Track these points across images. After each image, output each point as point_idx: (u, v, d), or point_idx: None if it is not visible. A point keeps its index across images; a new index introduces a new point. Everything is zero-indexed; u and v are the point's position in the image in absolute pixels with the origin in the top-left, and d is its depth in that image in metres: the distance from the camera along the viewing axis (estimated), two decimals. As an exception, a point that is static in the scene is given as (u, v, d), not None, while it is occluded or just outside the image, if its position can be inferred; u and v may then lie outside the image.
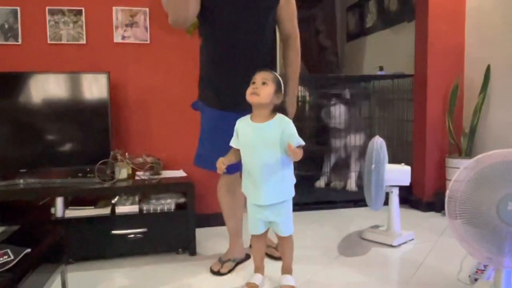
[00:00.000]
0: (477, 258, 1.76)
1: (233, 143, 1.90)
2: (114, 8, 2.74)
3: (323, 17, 4.85)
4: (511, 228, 1.63)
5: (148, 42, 2.82)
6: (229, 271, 2.19)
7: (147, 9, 2.79)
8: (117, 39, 2.76)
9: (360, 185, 3.65)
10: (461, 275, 2.11)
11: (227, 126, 1.94)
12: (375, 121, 4.12)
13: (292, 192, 1.92)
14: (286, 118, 1.84)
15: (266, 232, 2.01)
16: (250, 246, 2.15)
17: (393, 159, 2.69)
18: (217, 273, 2.17)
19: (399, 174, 2.60)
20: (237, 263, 2.27)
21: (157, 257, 2.40)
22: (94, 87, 2.54)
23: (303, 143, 1.80)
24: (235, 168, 2.01)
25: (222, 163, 1.82)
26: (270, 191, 1.84)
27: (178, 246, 2.46)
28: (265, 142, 1.80)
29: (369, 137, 3.22)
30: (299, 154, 1.77)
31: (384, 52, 4.25)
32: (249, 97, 1.80)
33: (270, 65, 2.05)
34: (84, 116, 2.53)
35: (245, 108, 1.86)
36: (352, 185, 3.77)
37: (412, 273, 2.18)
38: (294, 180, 1.93)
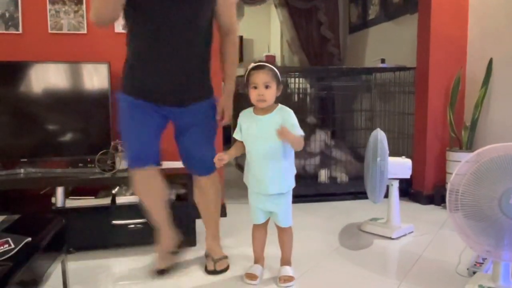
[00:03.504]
0: (477, 251, 1.77)
1: (236, 135, 1.94)
2: (115, -2, 2.73)
3: (326, 9, 4.82)
4: None
5: (149, 32, 2.80)
6: (171, 267, 2.12)
7: None
8: (118, 28, 2.75)
9: (351, 177, 3.66)
10: (460, 268, 2.11)
11: (144, 115, 1.90)
12: (376, 114, 4.11)
13: (293, 183, 1.95)
14: (286, 109, 1.87)
15: (267, 222, 2.03)
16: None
17: (393, 152, 2.68)
18: (161, 272, 2.07)
19: (400, 167, 2.60)
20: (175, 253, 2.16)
21: (157, 248, 2.41)
22: (95, 77, 2.54)
23: (303, 133, 1.83)
24: (152, 161, 1.99)
25: (220, 158, 1.83)
26: (275, 181, 1.87)
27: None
28: (267, 134, 1.83)
29: (370, 130, 3.21)
30: (297, 142, 1.80)
31: (386, 45, 4.23)
32: (257, 103, 1.84)
33: (207, 63, 2.00)
34: (84, 106, 2.53)
35: (168, 104, 1.90)
36: (343, 177, 3.73)
37: (411, 265, 2.19)
38: (294, 171, 1.96)
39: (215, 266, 2.10)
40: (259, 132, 1.86)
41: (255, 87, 1.83)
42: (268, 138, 1.83)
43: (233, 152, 1.97)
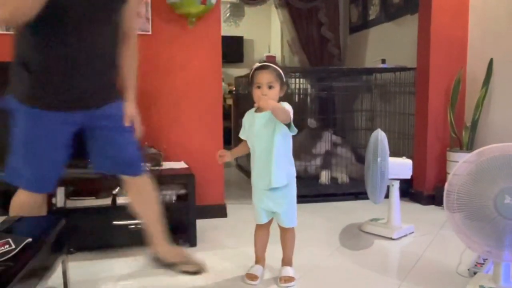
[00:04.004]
0: (476, 251, 1.77)
1: (242, 135, 2.00)
2: (115, -2, 2.73)
3: (326, 9, 4.82)
4: (508, 222, 1.64)
5: (150, 33, 2.81)
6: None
7: (149, 0, 2.78)
8: (119, 29, 2.75)
9: (353, 178, 3.66)
10: (461, 268, 2.11)
11: (47, 131, 1.67)
12: (377, 114, 4.11)
13: (294, 172, 1.97)
14: (284, 103, 1.88)
15: (270, 223, 2.04)
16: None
17: (394, 152, 2.69)
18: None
19: (400, 167, 2.60)
20: None
21: (158, 248, 2.41)
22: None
23: (288, 108, 1.83)
24: (48, 187, 1.80)
25: (221, 154, 1.88)
26: (277, 175, 1.89)
27: (178, 237, 2.45)
28: (265, 129, 1.88)
29: (371, 130, 3.21)
30: (281, 110, 1.78)
31: (387, 45, 4.23)
32: (260, 103, 1.86)
33: (116, 65, 1.86)
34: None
35: (75, 109, 1.71)
36: (344, 178, 3.74)
37: (412, 265, 2.19)
38: (293, 162, 1.97)
39: (191, 265, 2.07)
40: (259, 129, 1.90)
41: (259, 87, 1.86)
42: (266, 133, 1.87)
43: (236, 151, 2.04)
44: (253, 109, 1.97)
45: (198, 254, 2.34)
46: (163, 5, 2.77)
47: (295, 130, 1.86)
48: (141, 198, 2.04)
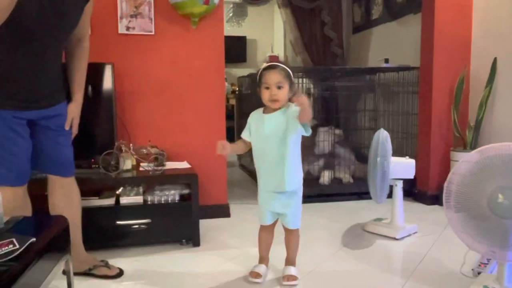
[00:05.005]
0: (477, 251, 1.77)
1: (244, 135, 1.97)
2: (118, -1, 2.74)
3: (329, 9, 4.81)
4: (503, 221, 1.63)
5: (153, 33, 2.81)
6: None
7: (152, 0, 2.78)
8: (122, 30, 2.76)
9: (356, 178, 3.65)
10: (464, 268, 2.11)
11: (11, 127, 1.76)
12: (380, 114, 4.10)
13: (300, 181, 1.95)
14: (292, 105, 1.85)
15: (274, 224, 2.03)
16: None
17: (397, 152, 2.68)
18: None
19: (404, 167, 2.60)
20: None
21: (161, 248, 2.41)
22: (99, 78, 2.54)
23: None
24: (26, 178, 1.87)
25: (223, 145, 1.85)
26: (290, 178, 1.87)
27: (182, 237, 2.47)
28: (276, 131, 1.85)
29: (374, 130, 3.21)
30: (309, 111, 1.75)
31: (390, 44, 4.22)
32: (270, 103, 1.84)
33: (61, 66, 1.94)
34: (88, 106, 2.52)
35: (41, 106, 1.83)
36: (347, 177, 3.73)
37: (415, 265, 2.19)
38: (301, 163, 1.95)
39: (110, 269, 2.10)
40: (269, 130, 1.86)
41: (267, 88, 1.83)
42: (276, 135, 1.84)
43: (235, 147, 1.99)
44: (260, 110, 1.94)
45: (201, 254, 2.35)
46: (166, 6, 2.78)
47: (310, 131, 1.84)
48: (66, 200, 2.04)
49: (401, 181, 2.63)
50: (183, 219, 2.44)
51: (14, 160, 1.78)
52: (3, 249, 1.20)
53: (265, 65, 1.88)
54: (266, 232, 2.04)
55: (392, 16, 4.16)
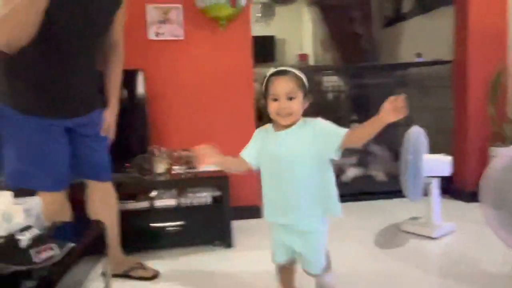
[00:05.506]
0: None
1: (244, 154, 1.61)
2: (147, 6, 2.79)
3: (358, 4, 4.74)
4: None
5: (182, 38, 2.85)
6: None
7: (180, 6, 2.82)
8: (151, 36, 2.81)
9: (390, 176, 3.57)
10: (505, 268, 2.04)
11: (55, 135, 1.83)
12: (413, 110, 4.00)
13: (338, 209, 1.54)
14: (313, 119, 1.52)
15: (292, 263, 1.65)
16: None
17: (432, 149, 2.61)
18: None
19: (439, 164, 2.53)
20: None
21: (195, 249, 2.45)
22: (131, 84, 2.60)
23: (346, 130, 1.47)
24: (65, 184, 1.90)
25: (208, 154, 1.52)
26: (305, 216, 1.50)
27: (214, 239, 2.49)
28: (292, 151, 1.48)
29: (407, 126, 3.13)
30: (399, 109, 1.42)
31: (422, 38, 4.12)
32: (279, 118, 1.48)
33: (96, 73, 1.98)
34: (122, 112, 2.59)
35: (77, 114, 1.87)
36: (381, 175, 3.66)
37: (453, 265, 2.13)
38: (335, 193, 1.54)
39: (147, 271, 2.15)
40: (283, 151, 1.49)
41: (275, 99, 1.46)
42: (295, 155, 1.47)
43: (228, 159, 1.60)
44: (269, 126, 1.57)
45: (234, 255, 2.37)
46: (194, 10, 2.81)
47: (339, 153, 1.46)
48: (104, 204, 2.09)
49: (437, 179, 2.57)
50: (216, 221, 2.46)
51: (53, 166, 1.84)
52: (44, 254, 1.25)
53: (272, 70, 1.50)
54: (285, 274, 1.65)
55: (424, 9, 4.05)
